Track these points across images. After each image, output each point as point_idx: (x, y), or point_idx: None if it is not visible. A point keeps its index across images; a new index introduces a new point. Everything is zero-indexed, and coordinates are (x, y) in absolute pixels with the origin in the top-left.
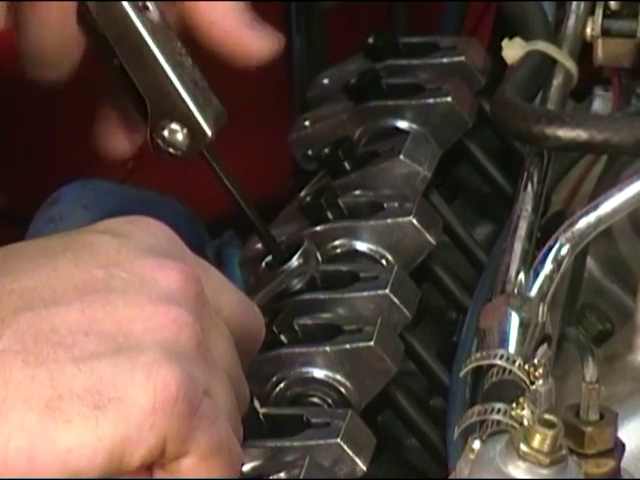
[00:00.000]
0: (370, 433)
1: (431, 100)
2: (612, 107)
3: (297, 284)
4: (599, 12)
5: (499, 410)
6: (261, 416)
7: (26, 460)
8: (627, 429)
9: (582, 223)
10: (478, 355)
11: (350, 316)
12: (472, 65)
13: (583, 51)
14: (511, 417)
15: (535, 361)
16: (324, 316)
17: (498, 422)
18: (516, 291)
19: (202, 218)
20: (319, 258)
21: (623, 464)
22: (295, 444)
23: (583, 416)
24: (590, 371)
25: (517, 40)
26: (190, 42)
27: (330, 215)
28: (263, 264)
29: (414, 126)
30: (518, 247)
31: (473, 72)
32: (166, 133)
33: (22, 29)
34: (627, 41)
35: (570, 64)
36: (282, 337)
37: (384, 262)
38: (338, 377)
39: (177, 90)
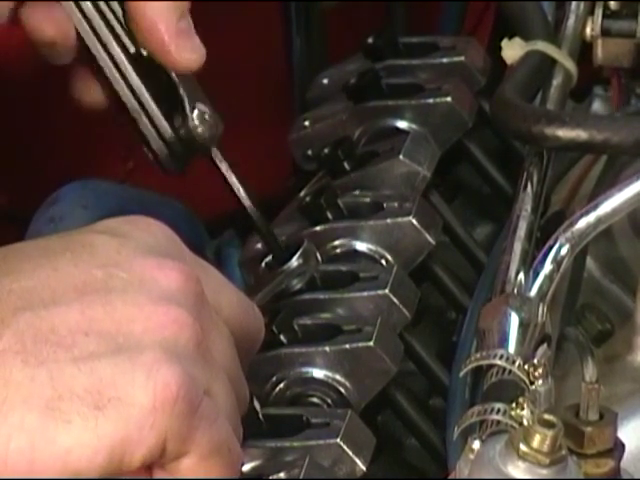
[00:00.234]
0: (370, 433)
1: (431, 100)
2: (612, 107)
3: (297, 284)
4: (599, 12)
5: (499, 410)
6: (261, 416)
7: (26, 460)
8: (627, 429)
9: (582, 223)
10: (478, 355)
11: (350, 316)
12: (472, 65)
13: (583, 51)
14: (511, 417)
15: (535, 361)
16: (324, 316)
17: (498, 422)
18: (516, 291)
19: (202, 218)
20: (319, 258)
21: (623, 464)
22: (295, 444)
23: (583, 416)
24: (590, 371)
25: (517, 40)
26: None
27: (330, 215)
28: (263, 264)
29: (414, 126)
30: (518, 247)
31: (473, 72)
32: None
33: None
34: (627, 41)
35: (570, 64)
36: (282, 337)
37: (384, 262)
38: (338, 377)
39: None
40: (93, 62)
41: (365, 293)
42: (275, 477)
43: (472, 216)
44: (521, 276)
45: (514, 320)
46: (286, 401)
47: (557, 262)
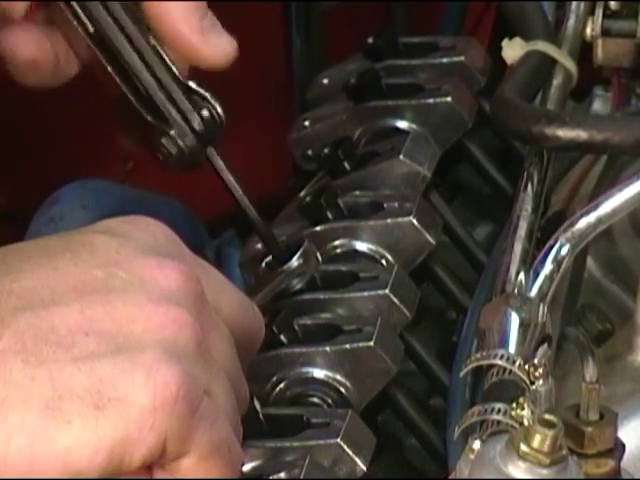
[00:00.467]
0: (370, 433)
1: (431, 100)
2: (612, 107)
3: (297, 284)
4: (599, 12)
5: (499, 410)
6: (261, 416)
7: (26, 460)
8: (627, 429)
9: (582, 223)
10: (478, 355)
11: (350, 316)
12: (472, 65)
13: (583, 51)
14: (511, 417)
15: (535, 361)
16: (324, 316)
17: (498, 422)
18: (516, 291)
19: (202, 218)
20: (319, 258)
21: (623, 464)
22: (295, 444)
23: (583, 416)
24: (590, 371)
25: (517, 40)
26: None
27: (330, 215)
28: (263, 264)
29: (414, 126)
30: (518, 247)
31: (473, 72)
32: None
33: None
34: (627, 41)
35: (570, 64)
36: (282, 337)
37: (384, 262)
38: (338, 377)
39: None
40: (110, 64)
41: (365, 293)
42: (275, 477)
43: (472, 216)
44: (521, 276)
45: (514, 320)
46: (286, 401)
47: (557, 262)
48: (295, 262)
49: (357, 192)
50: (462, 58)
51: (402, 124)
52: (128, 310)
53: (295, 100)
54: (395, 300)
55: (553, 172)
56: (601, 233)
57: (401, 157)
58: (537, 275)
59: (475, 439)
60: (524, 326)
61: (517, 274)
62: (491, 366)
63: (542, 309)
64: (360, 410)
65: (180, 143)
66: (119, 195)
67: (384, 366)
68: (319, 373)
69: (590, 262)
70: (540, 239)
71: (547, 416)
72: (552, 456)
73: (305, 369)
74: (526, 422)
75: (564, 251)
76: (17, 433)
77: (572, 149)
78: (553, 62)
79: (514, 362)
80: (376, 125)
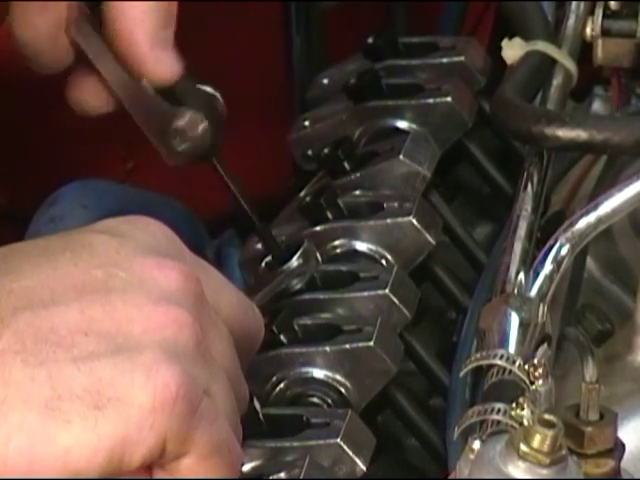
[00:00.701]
0: (370, 433)
1: (431, 100)
2: (612, 107)
3: (297, 284)
4: (599, 12)
5: (499, 410)
6: (261, 416)
7: (26, 460)
8: (627, 429)
9: (582, 223)
10: (478, 355)
11: (350, 316)
12: (472, 65)
13: (583, 51)
14: (511, 417)
15: (535, 361)
16: (324, 316)
17: (498, 422)
18: (516, 291)
19: (202, 218)
20: (319, 258)
21: (623, 464)
22: (295, 444)
23: (583, 416)
24: (590, 371)
25: (517, 40)
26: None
27: (330, 215)
28: (263, 264)
29: (414, 126)
30: (518, 247)
31: (473, 72)
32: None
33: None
34: (627, 41)
35: (570, 64)
36: (282, 337)
37: (384, 262)
38: (338, 377)
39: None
40: None
41: (365, 293)
42: (275, 477)
43: (472, 216)
44: (521, 276)
45: (514, 320)
46: (286, 401)
47: (557, 262)
48: (295, 262)
49: (357, 192)
50: (462, 58)
51: (402, 124)
52: (128, 310)
53: (295, 100)
54: (395, 300)
55: (553, 172)
56: (601, 233)
57: (401, 157)
58: (537, 275)
59: (475, 439)
60: (524, 326)
61: (517, 274)
62: (491, 366)
63: (542, 309)
64: (360, 410)
65: (193, 132)
66: (119, 195)
67: (384, 366)
68: (319, 373)
69: (590, 262)
70: (540, 239)
71: (547, 416)
72: (552, 456)
73: (305, 369)
74: (526, 422)
75: (564, 251)
76: (17, 433)
77: (572, 149)
78: (553, 62)
79: (514, 362)
80: (376, 125)
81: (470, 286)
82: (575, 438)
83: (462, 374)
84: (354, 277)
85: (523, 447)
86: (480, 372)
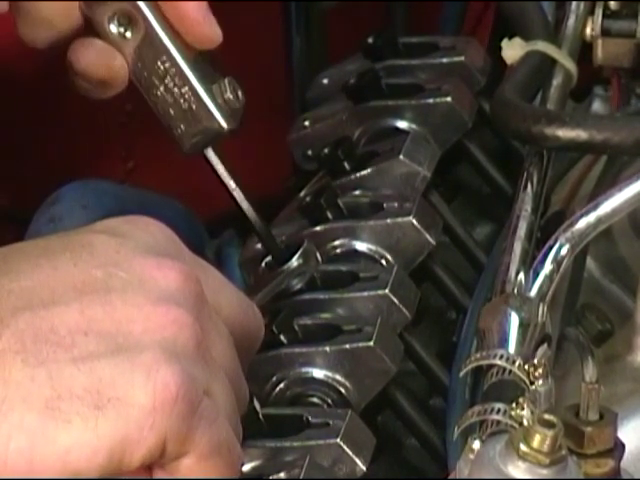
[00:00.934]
0: (370, 433)
1: (431, 100)
2: (612, 107)
3: (297, 284)
4: (599, 12)
5: (499, 410)
6: (261, 416)
7: (26, 460)
8: (627, 429)
9: (582, 223)
10: (478, 355)
11: (350, 316)
12: (472, 65)
13: (583, 51)
14: (511, 417)
15: (535, 361)
16: (324, 316)
17: (498, 422)
18: (516, 291)
19: (202, 218)
20: (319, 258)
21: (623, 464)
22: (295, 444)
23: (583, 416)
24: (590, 371)
25: (517, 40)
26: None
27: (330, 215)
28: (263, 264)
29: (414, 126)
30: (518, 247)
31: (473, 72)
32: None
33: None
34: (627, 41)
35: (570, 64)
36: (282, 337)
37: (384, 262)
38: (338, 377)
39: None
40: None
41: (365, 293)
42: (275, 477)
43: (472, 216)
44: (521, 276)
45: (514, 320)
46: (286, 401)
47: (557, 262)
48: (295, 262)
49: (357, 192)
50: (462, 58)
51: (402, 124)
52: (127, 310)
53: (295, 100)
54: (395, 300)
55: (553, 172)
56: (601, 233)
57: (401, 157)
58: (537, 275)
59: (475, 439)
60: (524, 326)
61: (517, 274)
62: (491, 366)
63: (542, 309)
64: (360, 410)
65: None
66: (119, 195)
67: (384, 366)
68: (319, 373)
69: (590, 262)
70: (540, 239)
71: (547, 416)
72: (552, 456)
73: (305, 369)
74: (526, 422)
75: (564, 251)
76: (17, 433)
77: (572, 149)
78: (553, 62)
79: (514, 362)
80: (376, 125)
81: (470, 286)
82: (575, 438)
83: (462, 374)
84: (354, 277)
85: (523, 447)
86: (480, 372)
